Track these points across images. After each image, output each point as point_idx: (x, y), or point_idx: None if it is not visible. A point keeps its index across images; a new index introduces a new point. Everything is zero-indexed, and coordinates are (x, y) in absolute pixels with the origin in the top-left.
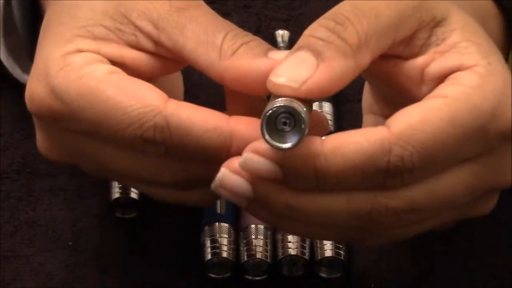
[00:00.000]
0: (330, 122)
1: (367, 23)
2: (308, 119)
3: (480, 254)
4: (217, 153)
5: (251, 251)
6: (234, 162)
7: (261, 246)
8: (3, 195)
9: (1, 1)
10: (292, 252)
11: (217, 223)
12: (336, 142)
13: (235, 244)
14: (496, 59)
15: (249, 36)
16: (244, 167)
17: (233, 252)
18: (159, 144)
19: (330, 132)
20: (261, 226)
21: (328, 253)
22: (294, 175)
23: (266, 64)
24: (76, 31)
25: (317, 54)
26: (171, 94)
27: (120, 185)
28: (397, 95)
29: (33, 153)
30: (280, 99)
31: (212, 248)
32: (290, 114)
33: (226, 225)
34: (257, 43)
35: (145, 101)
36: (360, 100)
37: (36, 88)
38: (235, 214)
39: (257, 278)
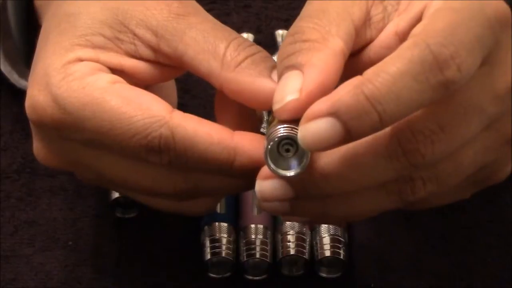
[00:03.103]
0: None
1: (319, 19)
2: None
3: (480, 254)
4: (220, 166)
5: (251, 251)
6: (264, 170)
7: (260, 246)
8: (3, 195)
9: None
10: (292, 252)
11: (216, 223)
12: (373, 68)
13: (234, 243)
14: None
15: (253, 48)
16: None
17: (233, 252)
18: (164, 154)
19: None
20: (261, 226)
21: (328, 253)
22: (352, 116)
23: (268, 85)
24: (75, 40)
25: (298, 66)
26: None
27: None
28: None
29: (33, 153)
30: (280, 126)
31: (212, 247)
32: (292, 140)
33: (225, 224)
34: (261, 57)
35: (150, 111)
36: None
37: (37, 98)
38: (235, 214)
39: (257, 278)
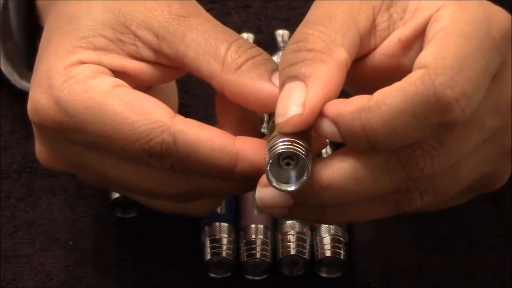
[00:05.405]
0: None
1: (325, 27)
2: (310, 155)
3: (480, 254)
4: (221, 171)
5: (251, 251)
6: (264, 178)
7: (261, 246)
8: (3, 195)
9: None
10: (293, 252)
11: (217, 223)
12: (379, 94)
13: (235, 243)
14: None
15: (254, 50)
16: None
17: (233, 252)
18: (165, 159)
19: None
20: (261, 226)
21: (328, 253)
22: (347, 134)
23: (269, 89)
24: (77, 42)
25: (301, 76)
26: (166, 104)
27: None
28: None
29: (33, 153)
30: (281, 140)
31: (212, 247)
32: (293, 154)
33: (226, 224)
34: (262, 59)
35: (152, 117)
36: None
37: (39, 100)
38: (235, 214)
39: (257, 278)
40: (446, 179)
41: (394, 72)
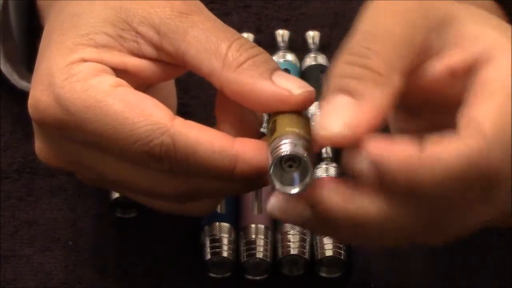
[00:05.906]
0: None
1: (385, 45)
2: (312, 156)
3: (480, 254)
4: (221, 173)
5: (251, 251)
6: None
7: (261, 246)
8: (3, 195)
9: None
10: (292, 252)
11: (217, 223)
12: (431, 151)
13: (235, 243)
14: None
15: (255, 49)
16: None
17: (233, 252)
18: (164, 161)
19: None
20: (261, 226)
21: (328, 253)
22: (387, 179)
23: (269, 88)
24: (78, 40)
25: (354, 93)
26: (165, 104)
27: None
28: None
29: (33, 153)
30: (283, 143)
31: (212, 247)
32: (295, 156)
33: (226, 224)
34: (263, 58)
35: (153, 118)
36: None
37: (40, 97)
38: (235, 213)
39: (257, 278)
40: (458, 228)
41: (435, 94)
